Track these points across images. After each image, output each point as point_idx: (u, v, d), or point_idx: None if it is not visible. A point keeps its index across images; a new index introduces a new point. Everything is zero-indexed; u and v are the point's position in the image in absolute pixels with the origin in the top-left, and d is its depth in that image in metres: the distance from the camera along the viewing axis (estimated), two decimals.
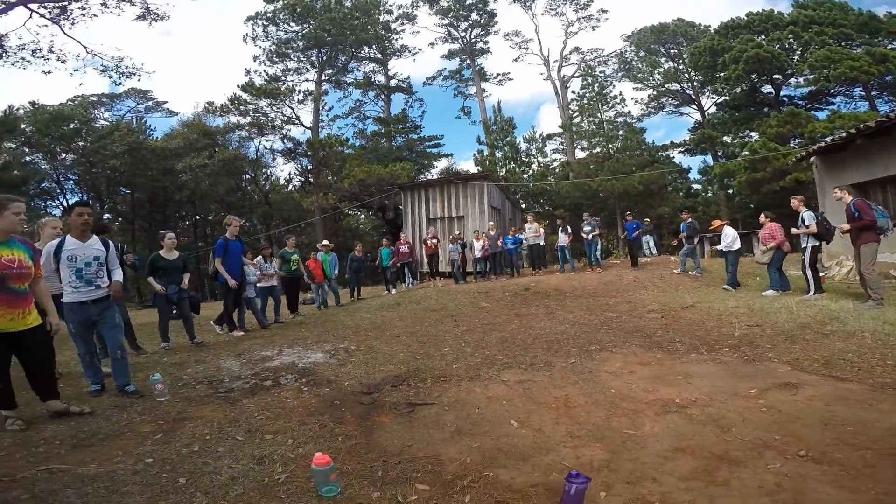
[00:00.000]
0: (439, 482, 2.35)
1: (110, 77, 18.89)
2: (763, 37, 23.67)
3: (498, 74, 36.74)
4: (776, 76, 24.12)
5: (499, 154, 27.37)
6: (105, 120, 28.72)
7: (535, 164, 28.82)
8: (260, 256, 8.07)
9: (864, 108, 21.99)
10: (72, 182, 25.96)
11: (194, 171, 22.69)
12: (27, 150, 23.99)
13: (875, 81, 21.27)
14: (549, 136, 32.33)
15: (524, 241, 12.75)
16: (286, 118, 26.45)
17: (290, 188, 29.24)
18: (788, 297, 7.23)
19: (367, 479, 2.40)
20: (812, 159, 11.61)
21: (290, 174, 30.01)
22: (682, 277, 10.06)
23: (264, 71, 28.03)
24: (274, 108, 25.98)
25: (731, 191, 24.17)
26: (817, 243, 7.16)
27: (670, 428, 2.79)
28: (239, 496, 2.23)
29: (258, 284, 7.89)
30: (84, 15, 15.97)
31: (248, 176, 27.83)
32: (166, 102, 31.50)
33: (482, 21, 34.37)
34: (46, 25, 15.68)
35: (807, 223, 7.01)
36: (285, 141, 26.73)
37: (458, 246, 12.60)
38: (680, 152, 29.77)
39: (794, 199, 7.24)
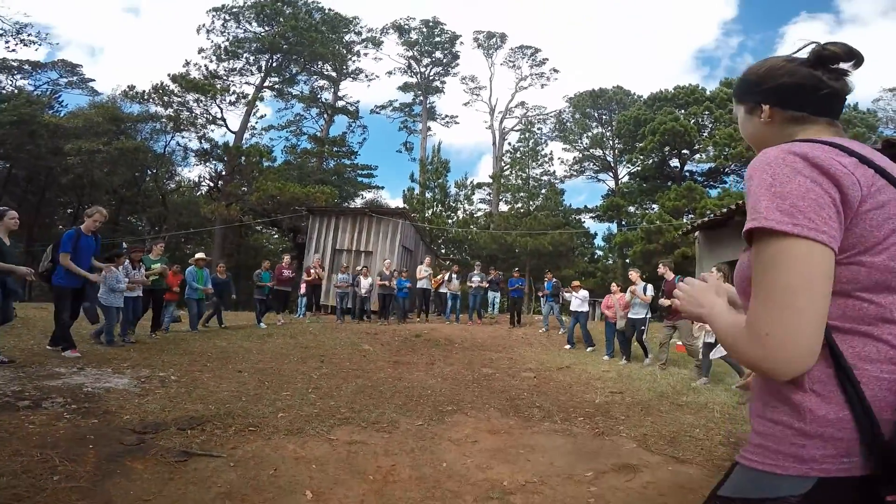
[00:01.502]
0: None
1: (6, 43, 16.47)
2: (683, 111, 25.81)
3: (446, 116, 37.69)
4: (684, 150, 26.35)
5: (428, 195, 27.48)
6: (15, 87, 25.20)
7: (460, 211, 29.25)
8: (127, 261, 6.83)
9: None
10: None
11: (84, 154, 19.94)
12: None
13: None
14: (479, 185, 33.31)
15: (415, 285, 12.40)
16: (211, 117, 24.77)
17: (196, 192, 26.85)
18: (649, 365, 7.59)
19: None
20: (696, 234, 12.63)
21: (199, 177, 27.61)
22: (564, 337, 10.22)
23: (205, 66, 26.46)
24: (201, 104, 24.29)
25: (627, 260, 25.97)
26: (652, 314, 7.97)
27: None
28: None
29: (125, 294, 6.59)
30: None
31: (151, 171, 25.17)
32: (93, 80, 28.45)
33: (444, 60, 35.35)
34: None
35: (647, 293, 7.64)
36: (203, 141, 24.82)
37: (347, 277, 11.90)
38: (591, 217, 31.79)
39: (661, 264, 7.63)
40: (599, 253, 30.97)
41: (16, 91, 24.53)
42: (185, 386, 4.66)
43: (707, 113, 25.13)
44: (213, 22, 26.68)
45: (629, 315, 7.86)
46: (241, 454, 3.05)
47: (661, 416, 4.57)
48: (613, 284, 8.81)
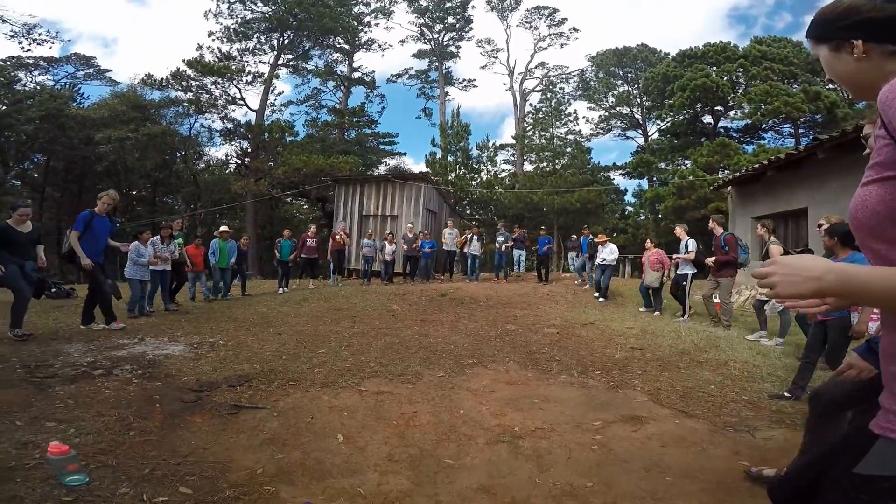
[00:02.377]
0: (208, 488, 2.22)
1: (19, 44, 17.09)
2: (715, 68, 24.54)
3: (464, 80, 36.75)
4: (718, 107, 25.18)
5: (451, 158, 27.27)
6: (36, 83, 26.19)
7: (483, 173, 28.95)
8: (157, 237, 7.35)
9: (790, 144, 23.18)
10: None
11: (115, 142, 20.79)
12: None
13: (805, 119, 22.36)
14: (502, 146, 32.73)
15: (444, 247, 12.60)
16: (231, 98, 25.10)
17: (226, 170, 27.61)
18: (677, 320, 7.58)
19: (127, 475, 2.28)
20: (729, 189, 12.23)
21: (226, 155, 28.29)
22: (590, 296, 10.28)
23: (217, 48, 26.55)
24: (219, 86, 24.59)
25: (659, 215, 25.29)
26: (696, 270, 7.72)
27: (491, 461, 2.63)
28: None
29: (152, 267, 7.09)
30: None
31: (179, 154, 26.00)
32: (109, 71, 29.08)
33: (457, 25, 34.24)
34: None
35: (689, 249, 7.49)
36: (225, 121, 25.28)
37: (372, 243, 12.33)
38: (620, 174, 30.97)
39: (711, 219, 7.36)
40: (630, 209, 30.24)
41: (38, 87, 25.33)
42: (232, 349, 5.09)
43: (741, 70, 23.67)
44: (218, 6, 26.49)
45: (677, 272, 7.80)
46: (282, 406, 3.41)
47: (679, 371, 4.61)
48: (648, 241, 8.75)
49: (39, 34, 17.07)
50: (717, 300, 7.24)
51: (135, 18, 49.14)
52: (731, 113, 25.34)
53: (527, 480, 2.40)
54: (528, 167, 30.07)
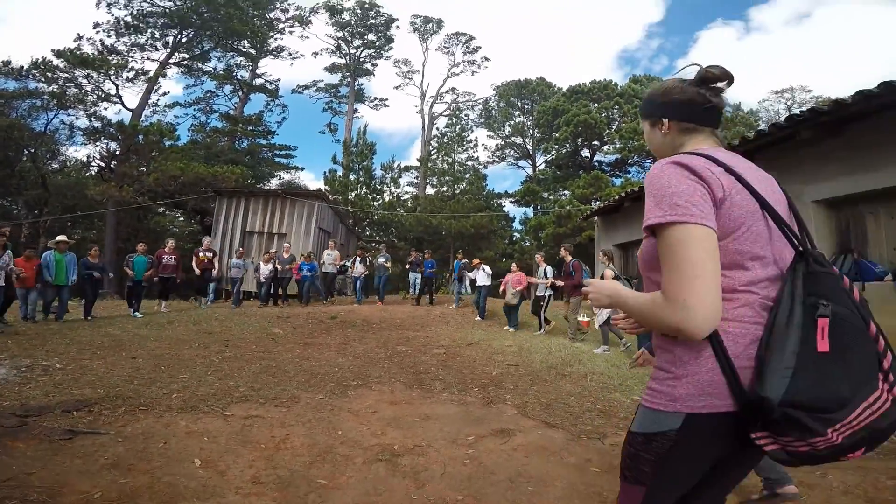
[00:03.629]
0: None
1: None
2: (596, 104, 27.36)
3: (376, 98, 36.46)
4: (594, 141, 28.18)
5: (353, 177, 26.79)
6: None
7: (387, 194, 28.95)
8: None
9: None
10: None
11: None
12: None
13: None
14: (407, 168, 33.11)
15: (319, 268, 12.22)
16: (104, 94, 21.99)
17: (86, 173, 23.79)
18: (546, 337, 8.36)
19: None
20: (595, 219, 13.77)
21: (88, 157, 24.43)
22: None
23: (100, 41, 23.27)
24: (92, 80, 21.48)
25: (541, 241, 27.56)
26: (552, 292, 8.94)
27: (367, 480, 2.57)
28: None
29: None
30: None
31: (28, 151, 21.82)
32: None
33: (377, 43, 34.06)
34: None
35: (548, 276, 8.64)
36: (93, 119, 21.91)
37: (241, 262, 11.61)
38: (510, 201, 33.03)
39: (562, 248, 8.61)
40: (517, 235, 32.40)
41: None
42: (71, 373, 4.47)
43: (616, 107, 26.82)
44: None
45: (536, 293, 8.72)
46: (130, 431, 3.05)
47: (546, 385, 5.01)
48: (513, 264, 9.73)
49: None
50: (582, 318, 8.23)
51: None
52: (605, 147, 28.61)
53: (403, 497, 2.37)
54: (430, 190, 30.79)
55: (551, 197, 29.09)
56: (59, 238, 7.93)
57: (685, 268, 0.91)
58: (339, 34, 33.40)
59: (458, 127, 29.51)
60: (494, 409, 4.12)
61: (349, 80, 34.14)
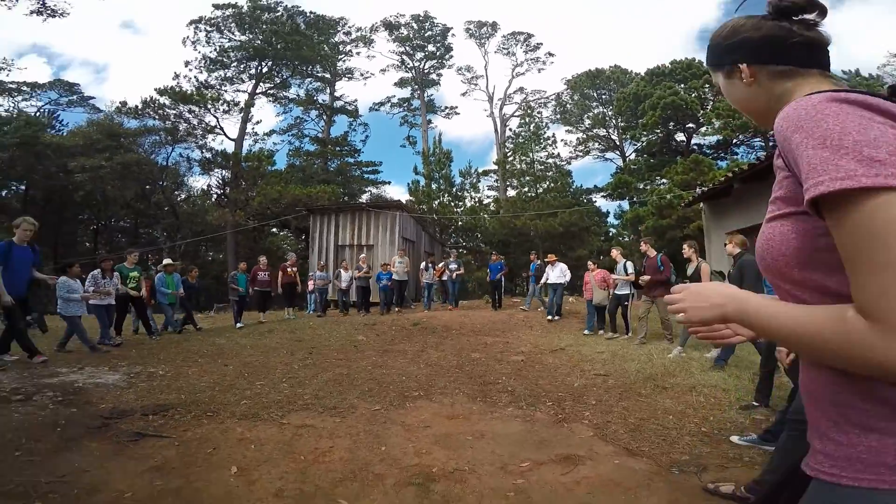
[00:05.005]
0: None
1: None
2: (682, 85, 25.11)
3: (446, 107, 37.21)
4: (689, 124, 25.61)
5: (434, 186, 27.36)
6: (17, 109, 26.12)
7: (468, 199, 29.03)
8: (98, 270, 7.02)
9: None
10: None
11: (90, 171, 20.57)
12: None
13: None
14: (485, 172, 32.97)
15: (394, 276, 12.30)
16: (208, 127, 25.14)
17: (207, 201, 27.39)
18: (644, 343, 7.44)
19: None
20: (701, 205, 12.23)
21: (207, 186, 28.11)
22: (565, 320, 10.09)
23: (194, 77, 26.75)
24: (195, 115, 24.62)
25: (640, 236, 25.36)
26: (634, 290, 8.14)
27: None
28: None
29: (91, 302, 6.75)
30: None
31: (159, 184, 25.80)
32: (93, 98, 29.53)
33: (438, 53, 34.88)
34: None
35: (628, 272, 7.80)
36: (204, 151, 25.23)
37: (324, 275, 12.29)
38: (602, 196, 31.15)
39: (642, 241, 7.72)
40: (613, 231, 30.33)
41: (13, 113, 25.23)
42: (168, 379, 4.89)
43: (707, 86, 24.29)
44: (196, 34, 26.76)
45: (615, 292, 7.96)
46: (189, 436, 3.22)
47: (638, 400, 4.34)
48: (590, 262, 9.01)
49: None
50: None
51: (126, 45, 49.05)
52: (703, 129, 25.77)
53: None
54: (511, 192, 30.24)
55: (648, 187, 26.79)
56: (166, 261, 9.05)
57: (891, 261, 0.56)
58: (401, 49, 34.39)
59: (531, 126, 28.57)
60: (566, 428, 3.62)
61: (418, 92, 35.03)
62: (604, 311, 8.45)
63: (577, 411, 4.04)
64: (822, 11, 0.82)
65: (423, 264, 12.67)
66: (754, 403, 3.96)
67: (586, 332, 8.49)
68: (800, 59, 0.82)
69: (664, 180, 24.83)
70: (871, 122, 0.62)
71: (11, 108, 25.80)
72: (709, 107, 24.38)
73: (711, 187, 10.93)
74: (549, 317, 9.91)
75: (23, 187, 24.99)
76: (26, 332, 5.58)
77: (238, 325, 9.62)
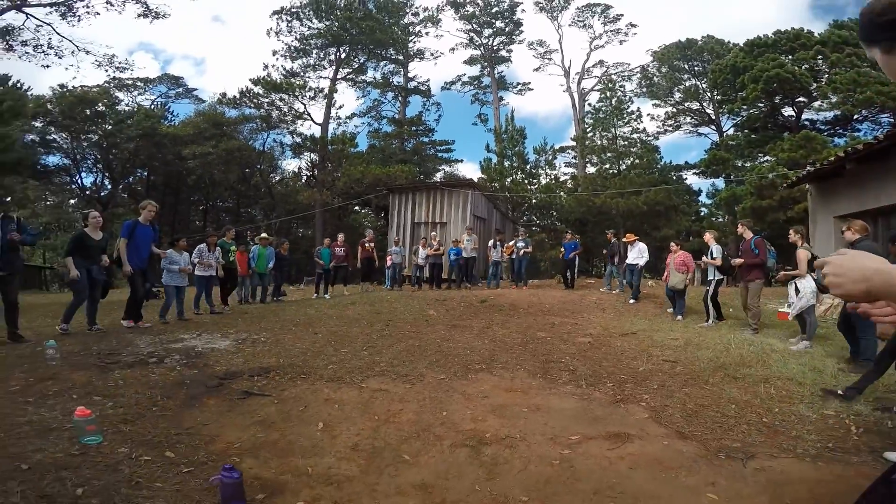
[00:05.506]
0: (187, 453, 2.67)
1: (105, 71, 20.36)
2: (789, 56, 22.43)
3: (518, 84, 36.53)
4: (799, 98, 22.81)
5: (507, 164, 27.08)
6: (136, 103, 30.12)
7: (543, 177, 28.35)
8: (204, 244, 8.14)
9: None
10: (90, 161, 27.07)
11: (200, 158, 23.33)
12: (52, 129, 25.15)
13: None
14: (561, 149, 31.89)
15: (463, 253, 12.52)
16: (297, 113, 26.96)
17: (299, 182, 29.73)
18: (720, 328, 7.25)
19: (133, 439, 2.79)
20: (807, 187, 11.02)
21: (298, 168, 30.49)
22: (641, 304, 9.78)
23: (281, 66, 28.69)
24: (285, 102, 26.43)
25: (737, 217, 23.16)
26: (722, 276, 7.72)
27: (445, 462, 2.72)
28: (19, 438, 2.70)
29: (196, 273, 7.75)
30: (88, 13, 17.09)
31: (257, 167, 28.46)
32: (196, 90, 32.94)
33: (507, 29, 34.13)
34: (41, 26, 16.78)
35: (714, 256, 7.50)
36: (294, 136, 27.24)
37: (399, 250, 12.88)
38: (694, 173, 28.85)
39: (740, 223, 7.35)
40: (705, 211, 28.02)
41: (135, 107, 28.87)
42: (269, 345, 5.61)
43: (820, 57, 21.25)
44: (278, 24, 28.31)
45: (707, 278, 7.77)
46: (286, 395, 3.77)
47: (704, 388, 4.24)
48: (672, 243, 8.68)
49: (120, 63, 20.78)
50: (782, 309, 6.86)
51: (217, 37, 53.49)
52: (816, 104, 22.74)
53: (468, 485, 2.44)
54: (590, 169, 29.01)
55: (747, 164, 24.25)
56: (262, 234, 10.18)
57: None
58: (469, 27, 33.88)
59: (613, 100, 26.85)
60: (622, 409, 3.72)
61: (488, 69, 34.42)
62: (678, 294, 8.22)
63: (637, 394, 4.09)
64: None
65: (490, 242, 12.83)
66: (839, 392, 3.82)
67: (679, 317, 8.23)
68: None
69: (767, 158, 22.36)
70: None
71: (131, 103, 29.67)
72: (823, 80, 21.31)
73: (820, 166, 9.78)
74: (631, 300, 9.73)
75: (145, 173, 28.91)
76: (142, 300, 6.53)
77: (320, 295, 10.61)
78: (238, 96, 25.06)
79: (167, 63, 54.69)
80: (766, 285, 7.81)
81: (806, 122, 23.62)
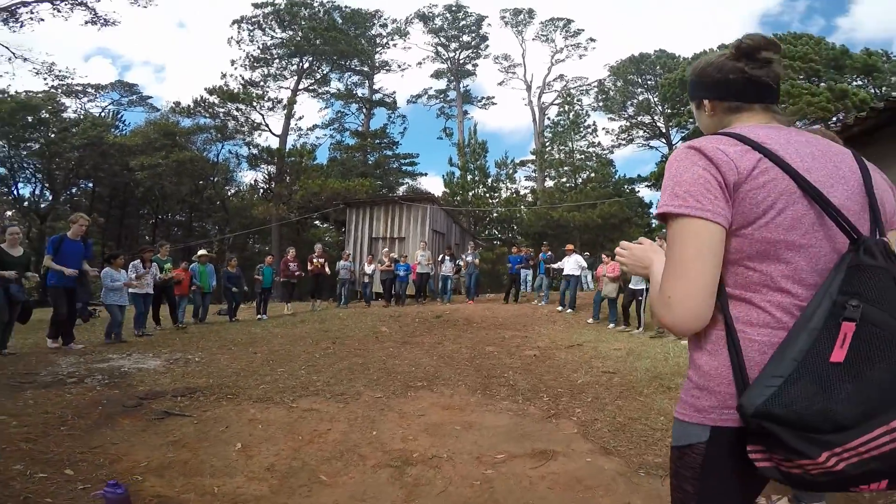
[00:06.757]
0: (87, 472, 2.58)
1: (44, 80, 19.63)
2: None
3: (482, 98, 37.23)
4: None
5: (469, 177, 27.41)
6: (85, 110, 28.52)
7: (504, 190, 28.85)
8: (138, 261, 7.69)
9: None
10: (28, 171, 25.38)
11: (149, 169, 22.31)
12: None
13: (832, 119, 21.38)
14: (522, 163, 32.60)
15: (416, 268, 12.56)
16: (254, 124, 26.41)
17: (255, 196, 28.90)
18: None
19: (32, 457, 2.68)
20: None
21: (254, 181, 29.66)
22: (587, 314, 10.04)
23: (240, 75, 28.09)
24: (242, 113, 25.87)
25: None
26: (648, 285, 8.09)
27: (364, 483, 2.66)
28: None
29: (130, 291, 7.21)
30: (32, 19, 16.42)
31: (210, 179, 27.51)
32: (150, 98, 31.64)
33: (473, 43, 34.86)
34: None
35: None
36: (251, 147, 26.59)
37: (348, 264, 12.74)
38: (646, 186, 30.02)
39: (658, 237, 7.86)
40: (655, 222, 29.23)
41: (81, 115, 27.36)
42: (202, 365, 5.40)
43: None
44: (239, 32, 27.89)
45: (630, 286, 8.02)
46: (208, 415, 3.63)
47: (636, 399, 4.35)
48: (604, 255, 9.08)
49: (60, 71, 20.09)
50: None
51: (180, 44, 51.60)
52: None
53: None
54: (549, 183, 29.78)
55: None
56: (200, 252, 9.73)
57: (674, 263, 0.88)
58: (436, 40, 34.50)
59: (571, 114, 27.84)
60: (552, 424, 3.75)
61: (454, 83, 35.01)
62: (611, 303, 8.61)
63: (570, 408, 4.14)
64: (777, 50, 0.98)
65: (439, 257, 12.86)
66: None
67: (590, 320, 8.77)
68: (744, 96, 1.00)
69: None
70: (692, 166, 0.89)
71: (79, 110, 28.12)
72: None
73: None
74: (560, 308, 10.05)
75: (90, 185, 27.38)
76: (65, 319, 5.92)
77: (260, 316, 10.04)
78: (192, 105, 24.32)
79: (125, 69, 52.18)
80: None
81: None
